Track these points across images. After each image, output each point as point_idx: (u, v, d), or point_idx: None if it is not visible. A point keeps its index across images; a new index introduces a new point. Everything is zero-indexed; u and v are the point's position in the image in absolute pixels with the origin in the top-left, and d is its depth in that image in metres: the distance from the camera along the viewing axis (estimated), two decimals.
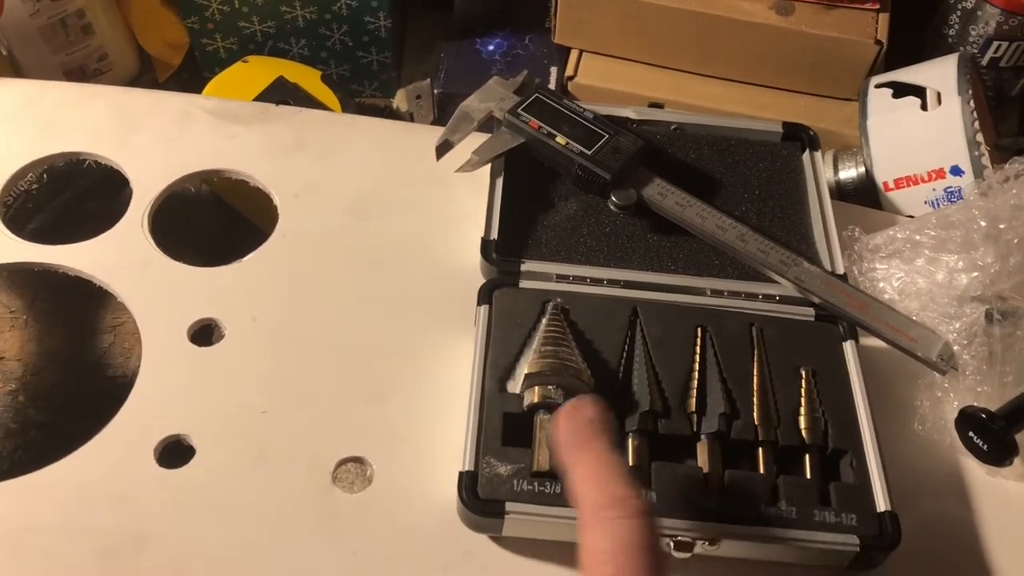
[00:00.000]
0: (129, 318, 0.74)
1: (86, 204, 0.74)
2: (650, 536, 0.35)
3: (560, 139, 0.59)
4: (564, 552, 0.46)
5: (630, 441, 0.48)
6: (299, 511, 0.48)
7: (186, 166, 0.62)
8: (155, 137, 0.64)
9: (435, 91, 0.83)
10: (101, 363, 0.72)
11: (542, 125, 0.59)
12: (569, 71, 0.81)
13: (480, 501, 0.45)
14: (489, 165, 0.60)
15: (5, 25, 0.71)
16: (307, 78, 0.79)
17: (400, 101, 0.90)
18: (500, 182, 0.59)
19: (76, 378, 0.72)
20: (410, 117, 0.90)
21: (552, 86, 0.82)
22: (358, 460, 0.50)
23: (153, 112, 0.66)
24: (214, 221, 0.73)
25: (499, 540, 0.47)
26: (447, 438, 0.50)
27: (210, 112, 0.66)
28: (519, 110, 0.60)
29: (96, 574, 0.45)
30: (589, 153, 0.58)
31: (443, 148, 0.60)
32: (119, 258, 0.58)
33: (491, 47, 0.84)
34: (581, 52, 0.82)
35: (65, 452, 0.60)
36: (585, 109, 0.61)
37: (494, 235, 0.56)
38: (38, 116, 0.65)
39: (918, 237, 0.56)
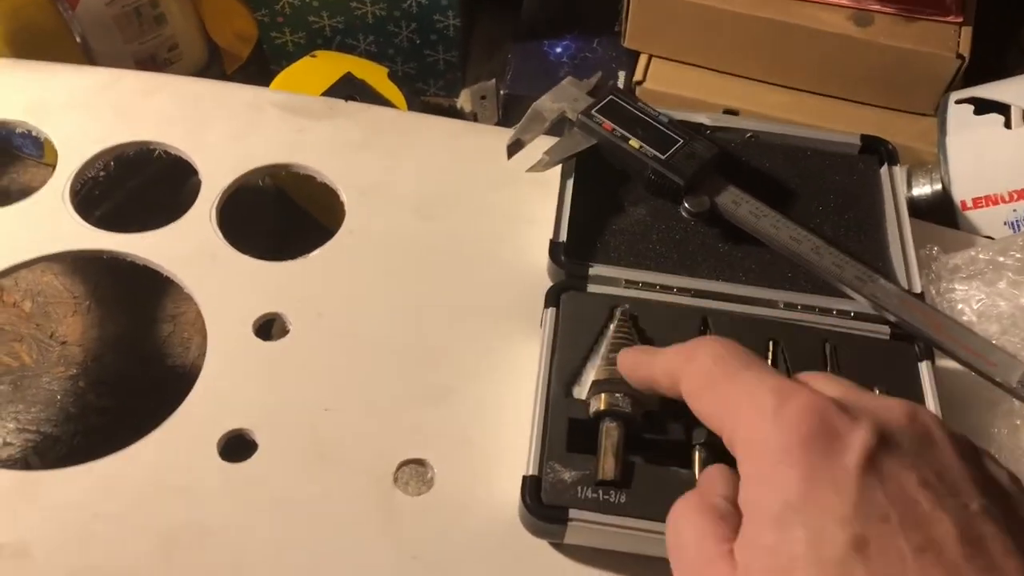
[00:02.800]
0: (189, 308, 0.75)
1: (150, 193, 0.74)
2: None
3: (634, 142, 0.58)
4: (625, 562, 0.46)
5: (696, 454, 0.47)
6: (360, 511, 0.47)
7: (255, 159, 0.62)
8: (225, 129, 0.64)
9: (501, 92, 0.82)
10: (160, 352, 0.73)
11: (616, 127, 0.58)
12: (638, 76, 0.80)
13: (543, 507, 0.45)
14: (559, 166, 0.59)
15: (81, 13, 0.72)
16: (374, 75, 0.79)
17: (464, 101, 0.89)
18: (570, 184, 0.58)
19: (135, 365, 0.72)
20: (474, 117, 0.89)
21: None
22: (419, 462, 0.50)
23: (223, 104, 0.66)
24: (276, 215, 0.73)
25: (560, 547, 0.47)
26: (510, 442, 0.49)
27: (279, 106, 0.66)
28: (592, 111, 0.59)
29: (160, 565, 0.45)
30: (663, 158, 0.57)
31: (514, 147, 0.60)
32: (186, 249, 0.58)
33: (559, 49, 0.83)
34: (650, 57, 0.81)
35: (125, 439, 0.61)
36: (660, 113, 0.60)
37: (563, 237, 0.56)
38: (111, 104, 0.65)
39: (1001, 259, 0.55)
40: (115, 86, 0.66)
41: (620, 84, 0.81)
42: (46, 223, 0.58)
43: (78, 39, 0.74)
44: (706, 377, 0.38)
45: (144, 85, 0.67)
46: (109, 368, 0.72)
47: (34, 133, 0.64)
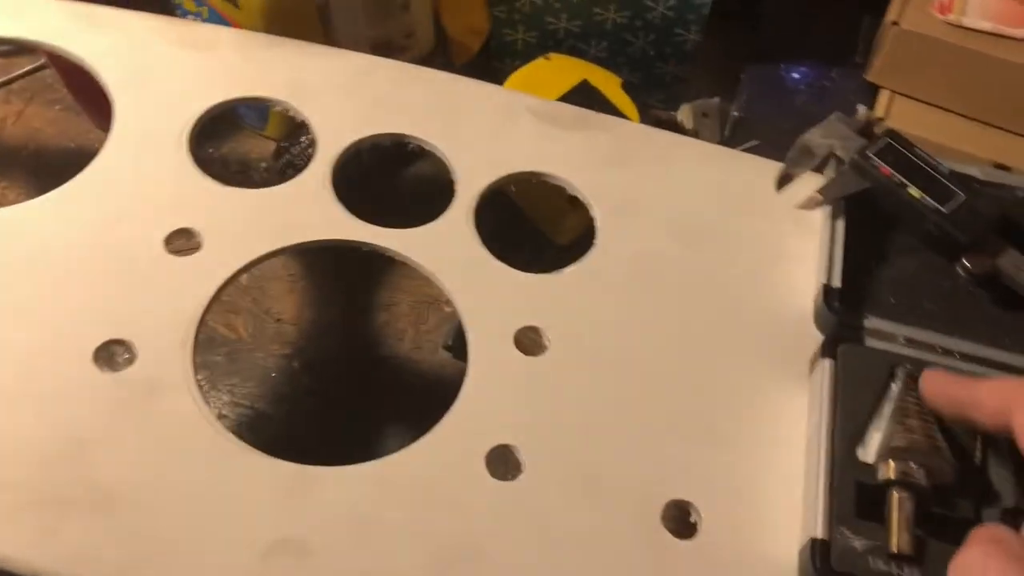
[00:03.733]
0: (403, 299, 0.75)
1: (368, 180, 0.74)
2: None
3: (913, 191, 0.55)
4: None
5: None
6: (626, 548, 0.46)
7: (509, 164, 0.62)
8: (477, 130, 0.64)
9: (733, 113, 0.80)
10: (373, 340, 0.73)
11: (894, 173, 0.56)
12: (878, 112, 0.77)
13: (834, 572, 0.43)
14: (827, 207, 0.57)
15: None
16: (608, 84, 0.77)
17: (684, 116, 0.88)
18: (841, 225, 0.56)
19: (348, 351, 0.72)
20: (695, 134, 0.87)
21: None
22: (683, 503, 0.48)
23: (475, 103, 0.65)
24: (497, 218, 0.72)
25: None
26: (776, 494, 0.48)
27: (531, 110, 0.65)
28: (869, 153, 0.57)
29: None
30: (945, 211, 0.54)
31: (784, 180, 0.58)
32: (446, 251, 0.57)
33: (796, 75, 0.81)
34: (893, 93, 0.78)
35: (335, 425, 0.60)
36: (939, 162, 0.57)
37: (836, 282, 0.54)
38: (369, 91, 0.65)
39: None
40: (371, 73, 0.66)
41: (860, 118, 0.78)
42: (308, 209, 0.58)
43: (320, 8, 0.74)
44: None
45: (399, 75, 0.67)
46: (322, 351, 0.72)
47: (291, 113, 0.64)
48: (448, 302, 0.75)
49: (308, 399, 0.69)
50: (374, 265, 0.76)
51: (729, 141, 0.82)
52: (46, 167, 0.83)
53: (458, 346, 0.71)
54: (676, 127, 0.88)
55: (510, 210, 0.77)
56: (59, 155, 0.85)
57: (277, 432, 0.51)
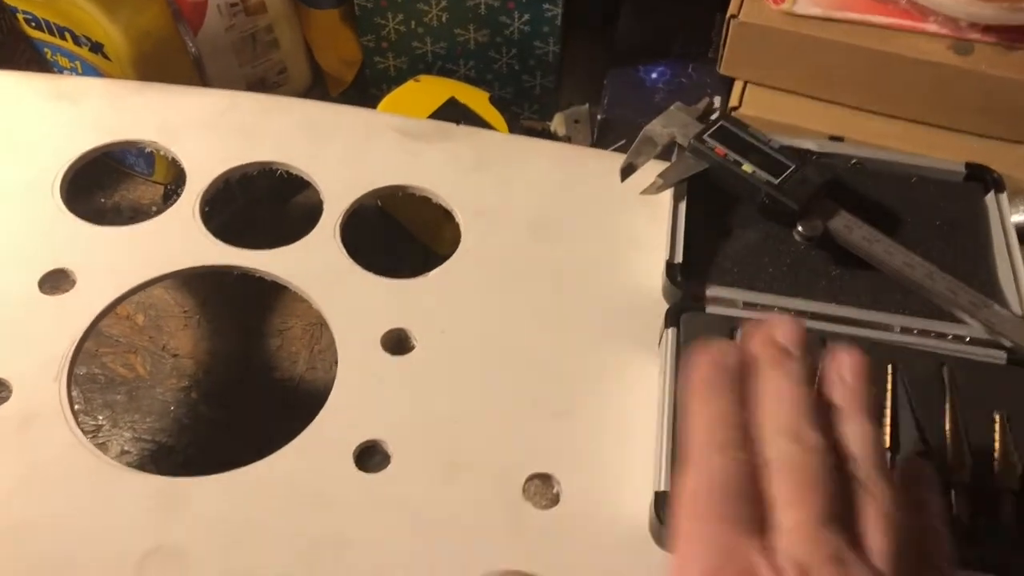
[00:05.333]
0: (296, 323, 0.77)
1: (254, 210, 0.77)
2: (743, 481, 0.37)
3: (747, 167, 0.59)
4: None
5: None
6: (491, 524, 0.49)
7: (374, 180, 0.65)
8: (343, 150, 0.66)
9: (598, 116, 0.84)
10: (268, 365, 0.75)
11: (728, 152, 0.60)
12: (733, 101, 0.81)
13: None
14: (670, 190, 0.60)
15: (202, 38, 0.75)
16: (476, 99, 0.81)
17: (558, 124, 0.91)
18: (683, 206, 0.60)
19: (245, 378, 0.74)
20: (567, 140, 0.91)
21: None
22: (545, 476, 0.51)
23: (340, 126, 0.68)
24: (381, 234, 0.75)
25: None
26: (632, 458, 0.51)
27: (394, 128, 0.68)
28: (704, 136, 0.61)
29: (304, 570, 0.46)
30: (776, 182, 0.58)
31: (627, 171, 0.61)
32: (313, 266, 0.60)
33: (654, 75, 0.85)
34: (746, 83, 0.82)
35: (237, 449, 0.63)
36: (770, 139, 0.61)
37: (679, 258, 0.57)
38: (234, 125, 0.68)
39: None
40: (235, 107, 0.69)
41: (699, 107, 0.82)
42: (178, 239, 0.61)
43: (192, 55, 0.77)
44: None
45: (262, 106, 0.69)
46: (219, 380, 0.74)
47: (162, 152, 0.66)
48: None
49: (208, 428, 0.71)
50: (265, 294, 0.78)
51: (598, 143, 0.86)
52: None
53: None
54: (551, 136, 0.92)
55: (395, 230, 0.80)
56: None
57: (183, 462, 0.53)
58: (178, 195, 0.83)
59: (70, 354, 0.54)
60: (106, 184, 0.66)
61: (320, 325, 0.77)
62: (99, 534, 0.47)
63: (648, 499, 0.49)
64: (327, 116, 0.69)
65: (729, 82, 0.83)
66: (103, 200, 0.64)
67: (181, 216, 0.62)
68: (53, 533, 0.47)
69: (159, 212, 0.85)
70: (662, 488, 0.47)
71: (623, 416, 0.53)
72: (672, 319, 0.54)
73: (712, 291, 0.56)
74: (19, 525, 0.47)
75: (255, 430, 0.71)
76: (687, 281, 0.56)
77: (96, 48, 0.73)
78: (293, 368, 0.74)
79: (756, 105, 0.81)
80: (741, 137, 0.61)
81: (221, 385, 0.74)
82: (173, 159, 0.66)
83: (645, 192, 0.60)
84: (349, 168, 0.65)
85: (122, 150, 0.68)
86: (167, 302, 0.63)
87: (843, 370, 0.40)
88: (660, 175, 0.60)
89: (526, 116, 0.95)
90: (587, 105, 0.88)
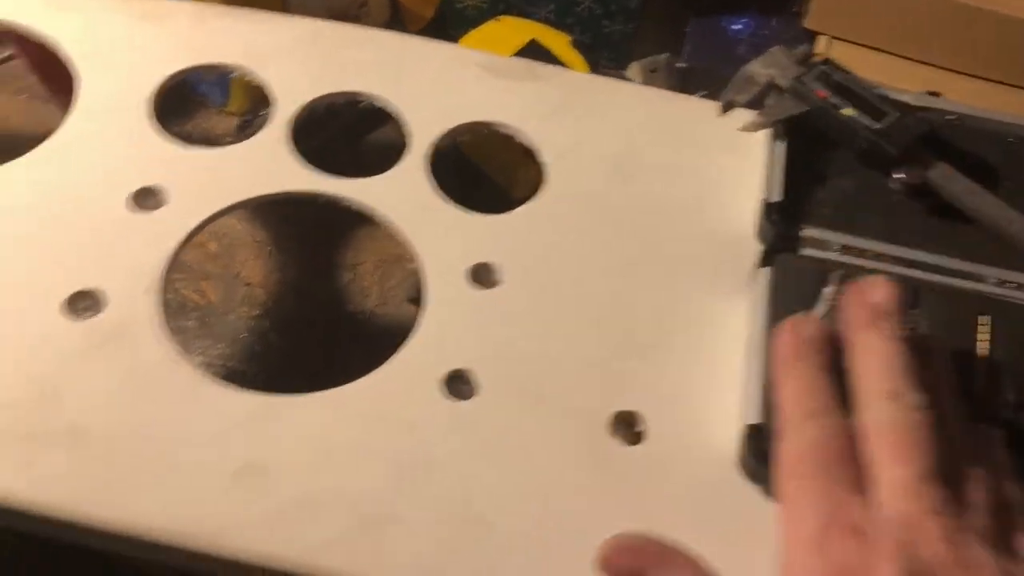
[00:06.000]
0: (368, 259, 0.77)
1: (332, 146, 0.76)
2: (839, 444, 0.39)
3: (847, 111, 0.58)
4: None
5: None
6: (577, 456, 0.49)
7: (460, 115, 0.64)
8: (429, 84, 0.66)
9: (679, 64, 0.83)
10: (339, 299, 0.75)
11: (830, 95, 0.59)
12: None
13: (767, 455, 0.46)
14: (767, 130, 0.60)
15: None
16: (557, 42, 0.80)
17: (634, 73, 0.90)
18: (782, 146, 0.59)
19: (316, 310, 0.75)
20: None
21: None
22: (631, 413, 0.51)
23: (424, 59, 0.68)
24: (454, 171, 0.74)
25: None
26: (719, 396, 0.51)
27: (480, 65, 0.67)
28: (805, 79, 0.60)
29: (391, 494, 0.46)
30: (877, 128, 0.57)
31: (727, 107, 0.61)
32: (401, 198, 0.59)
33: (737, 26, 0.84)
34: (830, 38, 0.81)
35: (309, 378, 0.63)
36: (873, 87, 0.60)
37: (776, 197, 0.56)
38: (320, 54, 0.67)
39: None
40: (321, 36, 0.68)
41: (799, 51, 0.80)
42: (268, 164, 0.61)
43: None
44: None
45: (348, 36, 0.69)
46: (291, 311, 0.74)
47: (247, 77, 0.66)
48: (411, 259, 0.78)
49: (278, 356, 0.72)
50: (339, 228, 0.78)
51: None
52: (15, 153, 0.85)
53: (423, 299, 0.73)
54: None
55: (469, 170, 0.80)
56: (28, 142, 0.87)
57: (250, 387, 0.53)
58: (253, 125, 0.84)
59: (163, 269, 0.54)
60: (180, 112, 0.65)
61: (391, 262, 0.77)
62: (193, 445, 0.47)
63: (735, 436, 0.49)
64: (412, 49, 0.69)
65: (812, 36, 0.82)
66: (175, 129, 0.64)
67: (271, 142, 0.62)
68: (147, 443, 0.47)
69: (233, 142, 0.85)
70: (755, 421, 0.47)
71: (710, 355, 0.53)
72: (767, 259, 0.54)
73: (807, 232, 0.55)
74: (114, 434, 0.47)
75: (327, 361, 0.71)
76: (784, 220, 0.56)
77: None
78: (364, 302, 0.74)
79: (842, 61, 0.79)
80: (842, 83, 0.60)
81: (292, 315, 0.74)
82: (259, 84, 0.66)
83: (744, 129, 0.59)
84: (434, 102, 0.65)
85: (196, 78, 0.67)
86: (240, 231, 0.63)
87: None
88: (760, 113, 0.60)
89: (603, 63, 0.94)
90: (665, 55, 0.87)
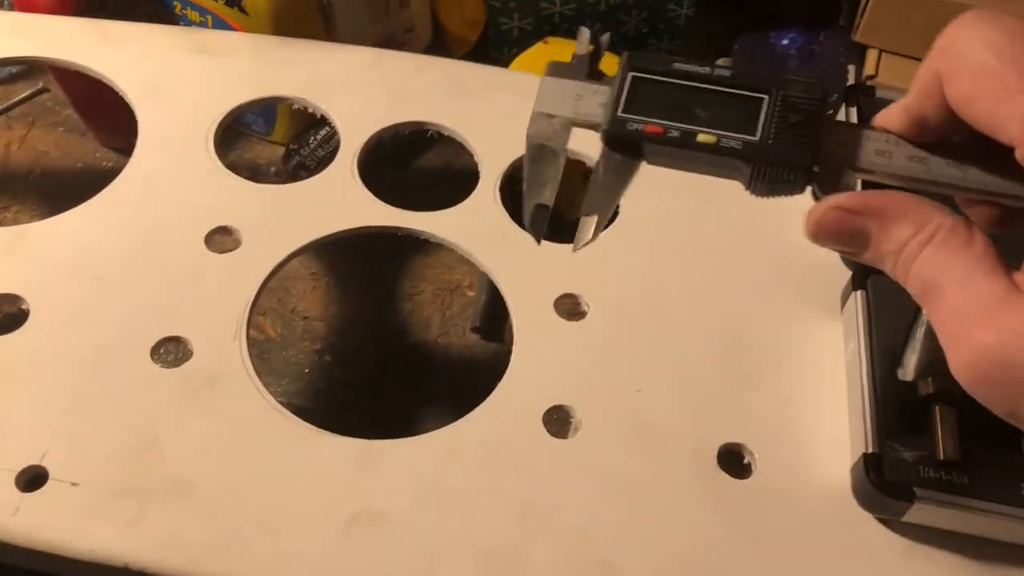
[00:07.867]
0: (427, 288, 0.76)
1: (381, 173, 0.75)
2: None
3: (704, 136, 0.38)
4: (955, 542, 0.47)
5: None
6: (689, 492, 0.48)
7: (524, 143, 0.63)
8: (493, 112, 0.65)
9: None
10: (400, 330, 0.74)
11: (666, 124, 0.38)
12: (869, 70, 0.79)
13: (888, 483, 0.45)
14: None
15: None
16: (607, 62, 0.79)
17: None
18: None
19: (377, 342, 0.74)
20: None
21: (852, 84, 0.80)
22: (737, 446, 0.50)
23: (489, 87, 0.67)
24: (511, 198, 0.73)
25: (888, 524, 0.47)
26: (821, 424, 0.50)
27: None
28: (619, 113, 0.39)
29: (515, 536, 0.45)
30: (757, 140, 0.37)
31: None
32: (476, 228, 0.59)
33: (785, 41, 0.83)
34: (881, 51, 0.80)
35: (376, 413, 0.62)
36: (715, 67, 0.38)
37: None
38: (381, 83, 0.66)
39: None
40: (380, 65, 0.68)
41: (851, 79, 0.80)
42: (338, 199, 0.60)
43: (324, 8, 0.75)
44: None
45: (407, 65, 0.68)
46: (352, 344, 0.73)
47: (310, 109, 0.65)
48: (471, 286, 0.77)
49: (344, 390, 0.70)
50: (393, 257, 0.77)
51: None
52: (55, 188, 0.83)
53: (486, 327, 0.72)
54: None
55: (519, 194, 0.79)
56: (67, 175, 0.86)
57: (320, 425, 0.52)
58: (300, 154, 0.83)
59: (246, 313, 0.53)
60: (221, 142, 0.64)
61: (451, 290, 0.76)
62: (300, 496, 0.46)
63: (847, 464, 0.48)
64: (472, 76, 0.68)
65: (861, 49, 0.81)
66: (221, 160, 0.63)
67: (340, 177, 0.61)
68: (255, 495, 0.46)
69: (278, 173, 0.84)
70: (871, 450, 0.46)
71: (808, 383, 0.52)
72: (860, 281, 0.53)
73: None
74: (219, 486, 0.46)
75: (391, 394, 0.70)
76: None
77: (233, 2, 0.71)
78: (426, 333, 0.73)
79: (892, 74, 0.79)
80: (672, 85, 0.38)
81: (353, 349, 0.73)
82: (321, 115, 0.65)
83: None
84: (500, 130, 0.64)
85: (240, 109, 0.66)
86: (292, 264, 0.62)
87: None
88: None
89: None
90: None
